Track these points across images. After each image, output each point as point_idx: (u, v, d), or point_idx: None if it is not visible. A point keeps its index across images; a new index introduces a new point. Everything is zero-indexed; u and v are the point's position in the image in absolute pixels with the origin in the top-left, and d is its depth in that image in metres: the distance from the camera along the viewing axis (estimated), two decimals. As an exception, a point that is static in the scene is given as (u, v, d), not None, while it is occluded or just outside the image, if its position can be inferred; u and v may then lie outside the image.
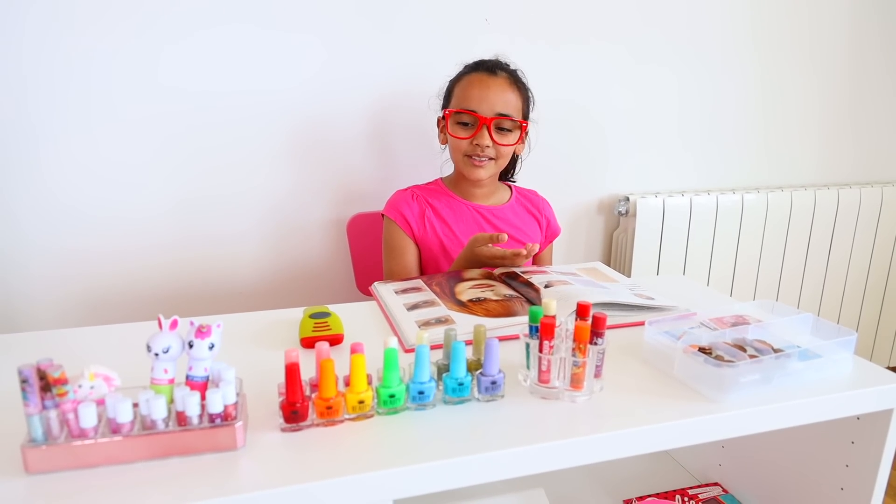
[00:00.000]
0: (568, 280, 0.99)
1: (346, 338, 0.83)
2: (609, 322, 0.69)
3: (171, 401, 0.57)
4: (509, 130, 1.26)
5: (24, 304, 1.35)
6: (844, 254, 1.95)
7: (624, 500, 0.99)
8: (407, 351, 0.80)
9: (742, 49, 1.76)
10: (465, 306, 0.91)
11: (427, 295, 0.98)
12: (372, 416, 0.63)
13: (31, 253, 1.33)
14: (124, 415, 0.55)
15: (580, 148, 1.69)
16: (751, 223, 1.81)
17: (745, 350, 0.73)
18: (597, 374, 0.69)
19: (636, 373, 0.75)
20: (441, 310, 0.90)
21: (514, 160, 1.40)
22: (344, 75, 1.44)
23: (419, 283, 1.04)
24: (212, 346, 0.58)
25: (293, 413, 0.60)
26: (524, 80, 1.30)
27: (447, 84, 1.32)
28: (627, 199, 1.72)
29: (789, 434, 0.86)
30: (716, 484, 1.02)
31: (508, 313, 0.88)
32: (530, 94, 1.31)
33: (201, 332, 0.58)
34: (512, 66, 1.29)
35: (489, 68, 1.27)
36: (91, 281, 1.38)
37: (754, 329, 0.79)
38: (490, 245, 1.09)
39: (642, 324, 0.82)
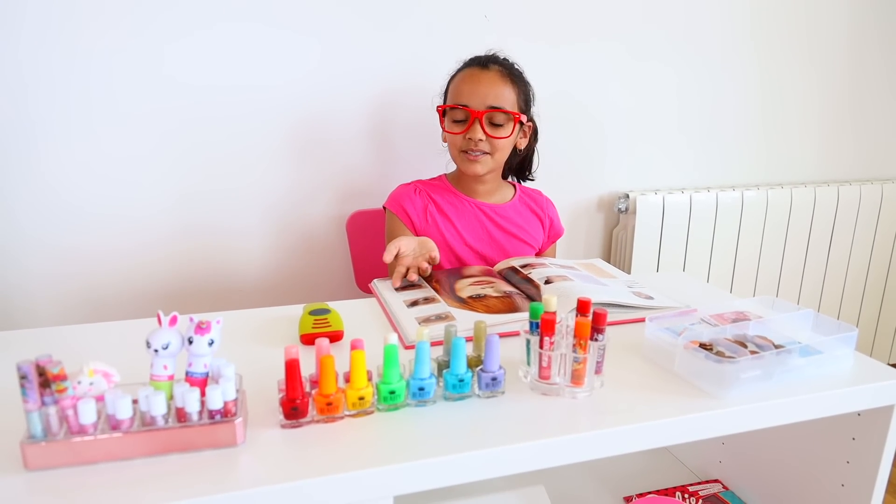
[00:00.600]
0: (567, 275, 0.99)
1: (346, 334, 0.83)
2: (610, 318, 0.69)
3: (171, 397, 0.57)
4: (502, 124, 1.24)
5: (24, 301, 1.35)
6: (844, 250, 1.95)
7: (624, 497, 0.99)
8: (407, 347, 0.80)
9: (742, 46, 1.75)
10: (465, 303, 0.91)
11: (427, 291, 0.98)
12: (372, 412, 0.63)
13: (30, 249, 1.33)
14: (124, 411, 0.54)
15: (580, 145, 1.69)
16: (751, 220, 1.81)
17: (745, 346, 0.73)
18: (597, 371, 0.69)
19: (637, 369, 0.75)
20: (441, 306, 0.90)
21: (527, 157, 1.39)
22: (344, 72, 1.44)
23: (419, 279, 1.04)
24: (211, 343, 0.58)
25: (293, 409, 0.60)
26: (522, 73, 1.29)
27: (447, 81, 1.32)
28: (627, 196, 1.71)
29: (790, 430, 0.86)
30: (716, 481, 1.02)
31: (509, 310, 0.88)
32: (529, 88, 1.30)
33: (201, 328, 0.58)
34: (510, 61, 1.29)
35: (482, 63, 1.26)
36: (90, 277, 1.38)
37: (755, 325, 0.79)
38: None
39: (643, 320, 0.82)
